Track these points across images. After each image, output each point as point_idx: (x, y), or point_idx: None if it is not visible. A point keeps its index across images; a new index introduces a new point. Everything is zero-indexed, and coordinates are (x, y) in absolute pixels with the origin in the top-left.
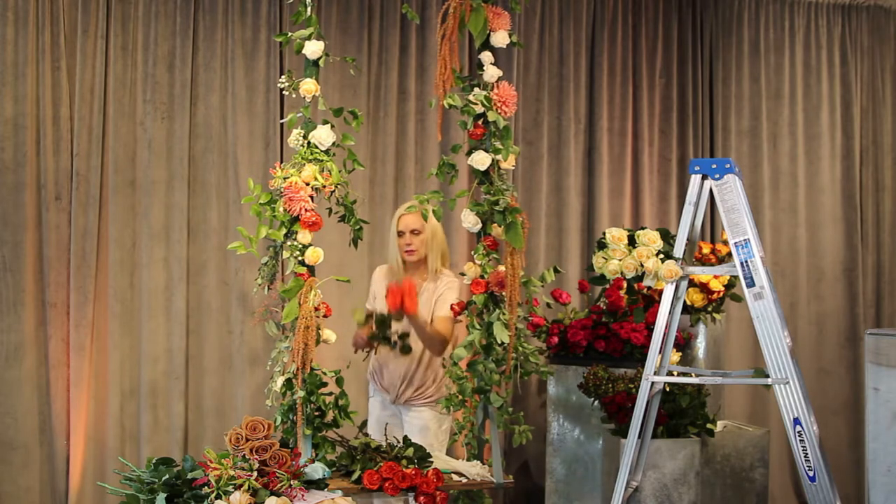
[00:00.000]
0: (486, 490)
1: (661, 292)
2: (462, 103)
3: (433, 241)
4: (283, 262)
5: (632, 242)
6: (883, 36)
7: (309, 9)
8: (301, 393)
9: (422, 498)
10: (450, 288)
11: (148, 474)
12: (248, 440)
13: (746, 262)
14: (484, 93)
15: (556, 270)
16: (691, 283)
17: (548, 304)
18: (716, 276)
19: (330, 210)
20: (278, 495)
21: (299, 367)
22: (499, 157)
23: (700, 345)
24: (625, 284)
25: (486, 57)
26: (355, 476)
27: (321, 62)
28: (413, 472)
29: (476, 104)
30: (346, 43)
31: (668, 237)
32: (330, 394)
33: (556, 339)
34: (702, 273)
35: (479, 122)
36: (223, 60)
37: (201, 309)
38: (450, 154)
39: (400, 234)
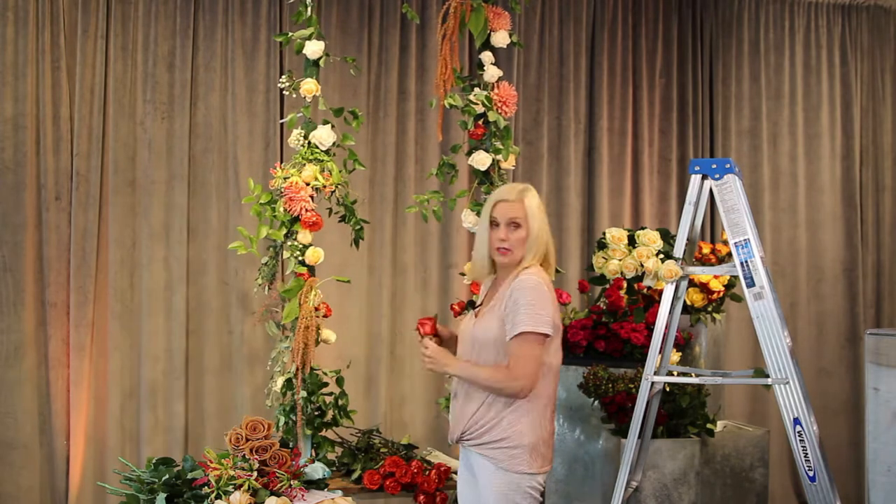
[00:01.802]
0: None
1: (661, 292)
2: (463, 103)
3: (538, 240)
4: (284, 262)
5: (632, 242)
6: (883, 36)
7: (309, 9)
8: (302, 393)
9: (422, 497)
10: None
11: (148, 474)
12: (248, 440)
13: (746, 262)
14: (485, 93)
15: (556, 271)
16: (691, 283)
17: None
18: (716, 276)
19: (330, 210)
20: (278, 495)
21: (299, 367)
22: (499, 157)
23: (700, 345)
24: (625, 284)
25: (487, 57)
26: (355, 475)
27: (321, 62)
28: (416, 470)
29: (477, 104)
30: (346, 43)
31: (668, 237)
32: (330, 394)
33: None
34: (702, 273)
35: (480, 122)
36: (223, 60)
37: (201, 309)
38: (450, 154)
39: (494, 223)
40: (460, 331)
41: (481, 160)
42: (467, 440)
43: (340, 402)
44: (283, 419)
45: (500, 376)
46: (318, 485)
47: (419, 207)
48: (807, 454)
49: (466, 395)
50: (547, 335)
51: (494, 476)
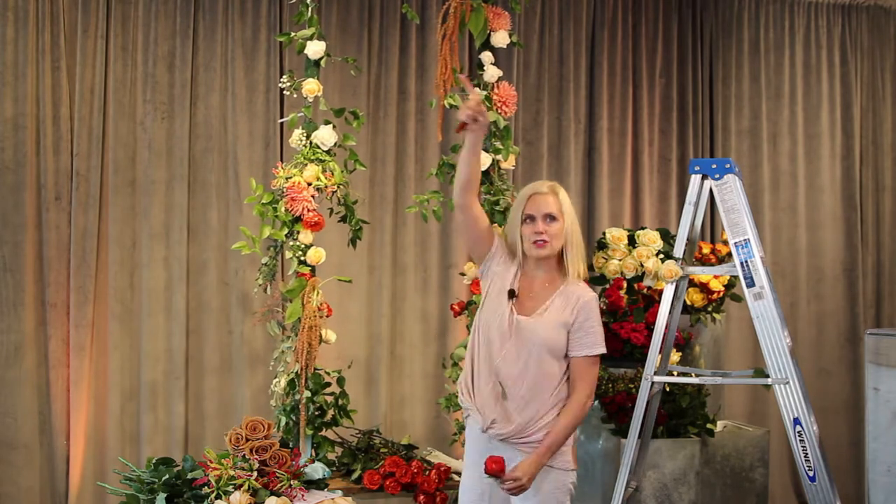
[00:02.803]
0: None
1: (661, 292)
2: (459, 103)
3: (574, 234)
4: (284, 262)
5: (632, 242)
6: (883, 36)
7: (310, 9)
8: (306, 393)
9: (422, 497)
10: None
11: (148, 474)
12: (248, 440)
13: (746, 262)
14: (484, 93)
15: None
16: (691, 283)
17: None
18: (716, 276)
19: (331, 210)
20: (278, 495)
21: (303, 367)
22: (499, 157)
23: (700, 345)
24: (625, 284)
25: (487, 57)
26: (355, 475)
27: (322, 62)
28: (416, 469)
29: None
30: (346, 43)
31: (668, 237)
32: (331, 394)
33: None
34: (702, 273)
35: None
36: (223, 60)
37: (201, 309)
38: (450, 154)
39: (529, 218)
40: (499, 321)
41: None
42: (520, 437)
43: (341, 402)
44: (283, 419)
45: (579, 408)
46: (318, 485)
47: (419, 207)
48: (807, 454)
49: (529, 397)
50: None
51: (542, 474)
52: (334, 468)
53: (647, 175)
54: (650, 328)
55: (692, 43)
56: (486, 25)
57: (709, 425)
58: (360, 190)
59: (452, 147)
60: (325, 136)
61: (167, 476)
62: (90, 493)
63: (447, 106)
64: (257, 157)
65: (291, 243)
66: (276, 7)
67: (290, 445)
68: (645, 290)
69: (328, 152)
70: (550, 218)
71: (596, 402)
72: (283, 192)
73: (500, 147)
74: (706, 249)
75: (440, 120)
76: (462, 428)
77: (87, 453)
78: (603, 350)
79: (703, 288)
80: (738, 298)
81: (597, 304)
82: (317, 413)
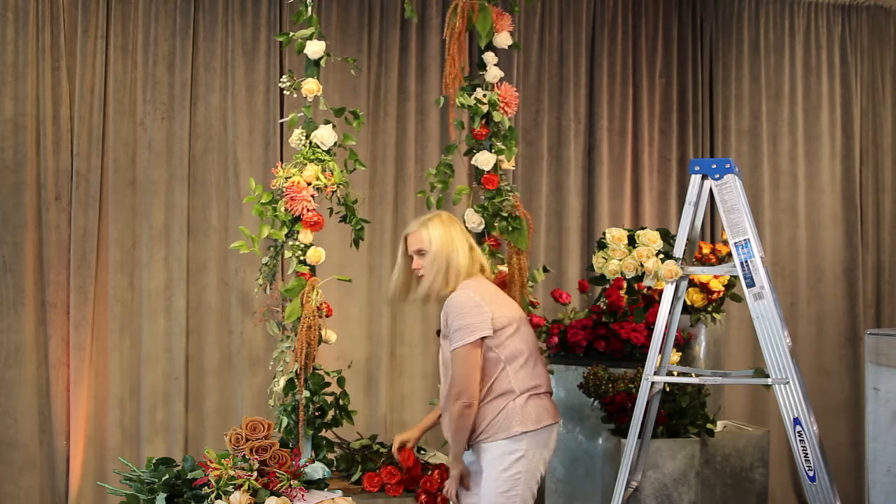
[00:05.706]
0: None
1: (661, 292)
2: (471, 102)
3: (440, 258)
4: (284, 262)
5: (632, 242)
6: (883, 36)
7: (310, 9)
8: (305, 393)
9: (423, 496)
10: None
11: (148, 474)
12: (248, 440)
13: (746, 262)
14: (496, 93)
15: (544, 270)
16: (691, 283)
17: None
18: (716, 276)
19: (331, 210)
20: (278, 495)
21: (302, 367)
22: (502, 157)
23: (700, 345)
24: (625, 284)
25: (490, 57)
26: (355, 477)
27: (322, 62)
28: (416, 473)
29: (485, 104)
30: (346, 43)
31: (668, 237)
32: (331, 394)
33: (556, 339)
34: (702, 273)
35: (483, 122)
36: (223, 60)
37: (201, 309)
38: (449, 154)
39: (411, 258)
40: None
41: (485, 160)
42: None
43: (342, 402)
44: (285, 420)
45: (444, 399)
46: (318, 485)
47: (428, 190)
48: (807, 454)
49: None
50: (481, 338)
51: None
52: (334, 469)
53: (647, 175)
54: (650, 328)
55: (692, 43)
56: (493, 26)
57: (709, 425)
58: (360, 190)
59: (447, 147)
60: (325, 135)
61: (167, 476)
62: (90, 493)
63: (460, 105)
64: (257, 157)
65: (291, 243)
66: (276, 7)
67: (291, 445)
68: (645, 290)
69: (328, 152)
70: (419, 253)
71: (596, 402)
72: (282, 192)
73: (503, 147)
74: (706, 249)
75: (452, 117)
76: None
77: (87, 453)
78: (455, 346)
79: (703, 288)
80: (738, 298)
81: (455, 300)
82: (317, 413)
